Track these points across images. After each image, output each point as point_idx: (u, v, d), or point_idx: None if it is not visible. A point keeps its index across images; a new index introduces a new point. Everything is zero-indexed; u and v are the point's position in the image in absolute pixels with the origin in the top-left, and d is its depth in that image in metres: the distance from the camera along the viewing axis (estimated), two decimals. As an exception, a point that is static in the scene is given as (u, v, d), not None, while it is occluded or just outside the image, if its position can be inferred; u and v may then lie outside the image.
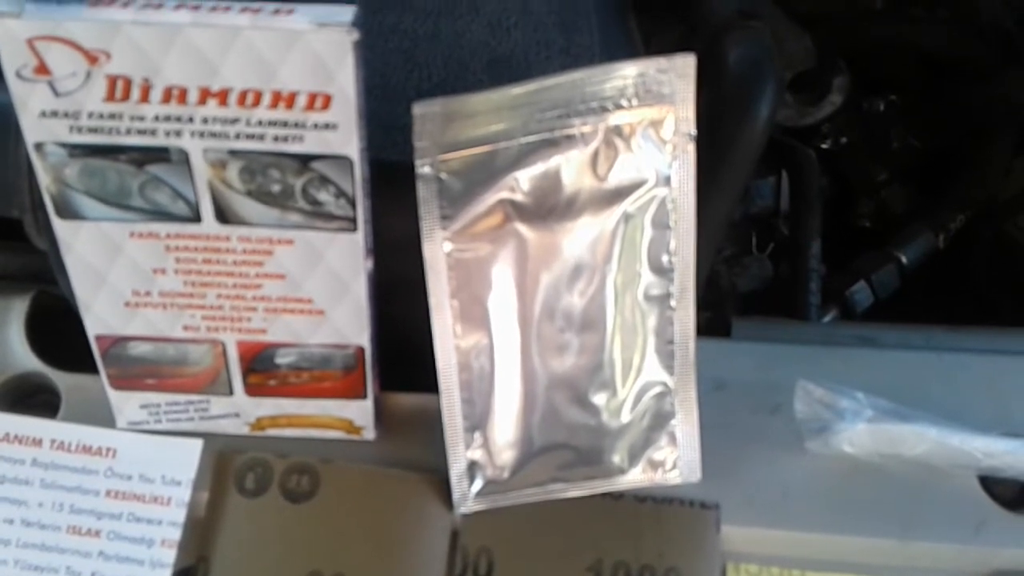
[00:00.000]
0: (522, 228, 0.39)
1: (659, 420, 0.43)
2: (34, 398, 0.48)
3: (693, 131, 0.39)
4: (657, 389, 0.43)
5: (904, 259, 0.66)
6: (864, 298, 0.65)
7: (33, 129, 0.35)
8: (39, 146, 0.36)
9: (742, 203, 0.65)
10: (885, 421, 0.44)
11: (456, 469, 0.43)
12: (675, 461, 0.44)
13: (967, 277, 0.69)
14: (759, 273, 0.66)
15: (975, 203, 0.69)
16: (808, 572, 0.43)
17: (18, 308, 0.49)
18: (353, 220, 0.38)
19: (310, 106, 0.34)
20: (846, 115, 0.72)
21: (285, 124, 0.35)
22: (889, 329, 0.52)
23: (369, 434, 0.46)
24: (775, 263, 0.66)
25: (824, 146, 0.73)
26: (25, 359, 0.48)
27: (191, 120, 0.35)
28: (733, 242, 0.66)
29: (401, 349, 0.43)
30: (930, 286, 0.67)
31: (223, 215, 0.38)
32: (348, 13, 0.33)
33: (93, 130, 0.35)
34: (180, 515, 0.44)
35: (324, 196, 0.37)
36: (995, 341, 0.50)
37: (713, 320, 0.51)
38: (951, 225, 0.68)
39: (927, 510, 0.44)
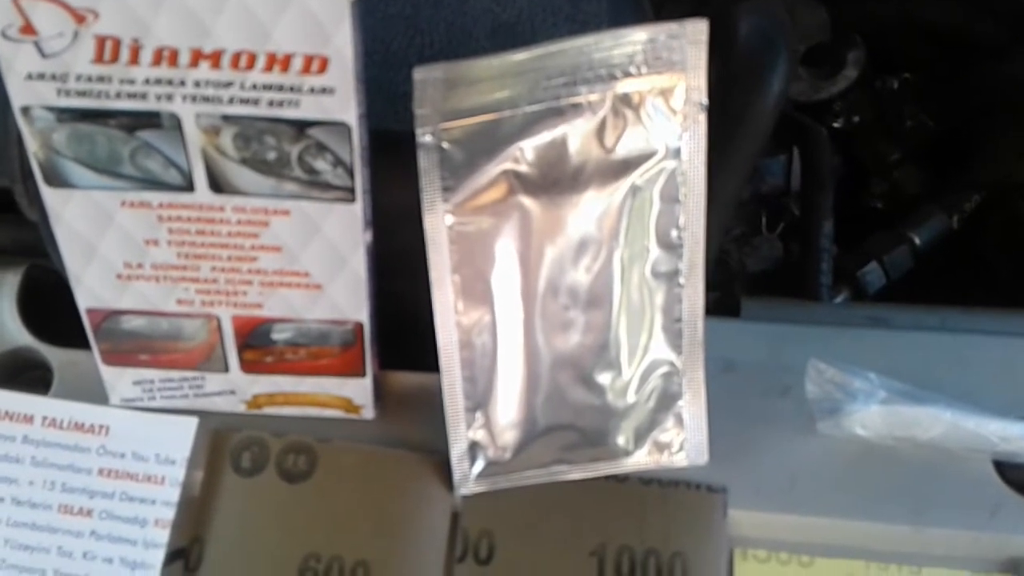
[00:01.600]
0: (526, 201, 0.38)
1: (666, 401, 0.42)
2: (26, 374, 0.47)
3: (705, 101, 0.37)
4: (664, 368, 0.42)
5: (917, 240, 0.66)
6: (876, 279, 0.64)
7: (19, 92, 0.34)
8: (26, 110, 0.35)
9: (752, 181, 0.65)
10: (899, 403, 0.43)
11: (457, 449, 0.42)
12: (682, 443, 0.43)
13: (981, 258, 0.68)
14: (769, 253, 0.65)
15: (989, 184, 0.68)
16: (818, 558, 0.42)
17: (10, 282, 0.48)
18: (351, 190, 0.36)
19: (306, 69, 0.33)
20: (859, 93, 0.71)
21: (280, 88, 0.34)
22: (902, 310, 0.50)
23: (368, 413, 0.45)
24: (785, 243, 0.65)
25: (836, 125, 0.72)
26: (17, 334, 0.47)
27: (183, 83, 0.34)
28: (742, 221, 0.65)
29: (401, 326, 0.42)
30: (943, 267, 0.66)
31: (217, 184, 0.37)
32: (346, -28, 0.32)
33: (81, 93, 0.34)
34: (174, 494, 0.43)
35: (321, 164, 0.36)
36: (1010, 323, 0.49)
37: (722, 300, 0.50)
38: (965, 206, 0.67)
39: (940, 495, 0.43)
